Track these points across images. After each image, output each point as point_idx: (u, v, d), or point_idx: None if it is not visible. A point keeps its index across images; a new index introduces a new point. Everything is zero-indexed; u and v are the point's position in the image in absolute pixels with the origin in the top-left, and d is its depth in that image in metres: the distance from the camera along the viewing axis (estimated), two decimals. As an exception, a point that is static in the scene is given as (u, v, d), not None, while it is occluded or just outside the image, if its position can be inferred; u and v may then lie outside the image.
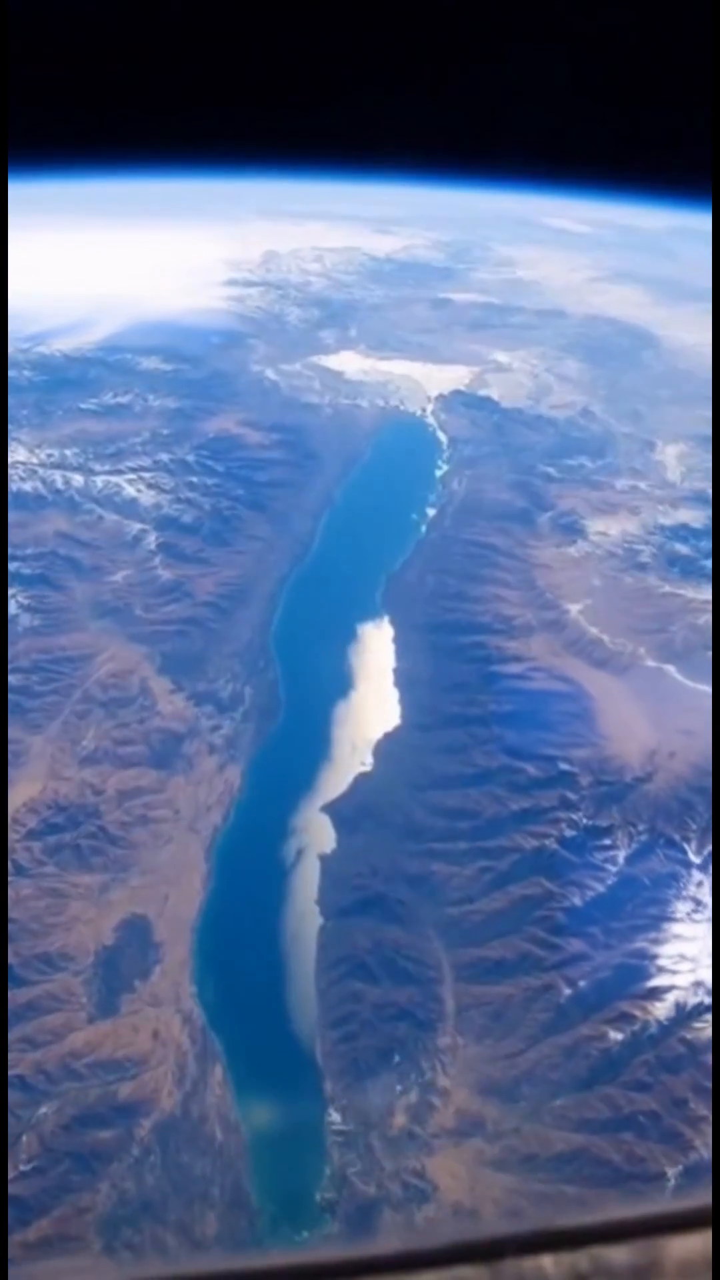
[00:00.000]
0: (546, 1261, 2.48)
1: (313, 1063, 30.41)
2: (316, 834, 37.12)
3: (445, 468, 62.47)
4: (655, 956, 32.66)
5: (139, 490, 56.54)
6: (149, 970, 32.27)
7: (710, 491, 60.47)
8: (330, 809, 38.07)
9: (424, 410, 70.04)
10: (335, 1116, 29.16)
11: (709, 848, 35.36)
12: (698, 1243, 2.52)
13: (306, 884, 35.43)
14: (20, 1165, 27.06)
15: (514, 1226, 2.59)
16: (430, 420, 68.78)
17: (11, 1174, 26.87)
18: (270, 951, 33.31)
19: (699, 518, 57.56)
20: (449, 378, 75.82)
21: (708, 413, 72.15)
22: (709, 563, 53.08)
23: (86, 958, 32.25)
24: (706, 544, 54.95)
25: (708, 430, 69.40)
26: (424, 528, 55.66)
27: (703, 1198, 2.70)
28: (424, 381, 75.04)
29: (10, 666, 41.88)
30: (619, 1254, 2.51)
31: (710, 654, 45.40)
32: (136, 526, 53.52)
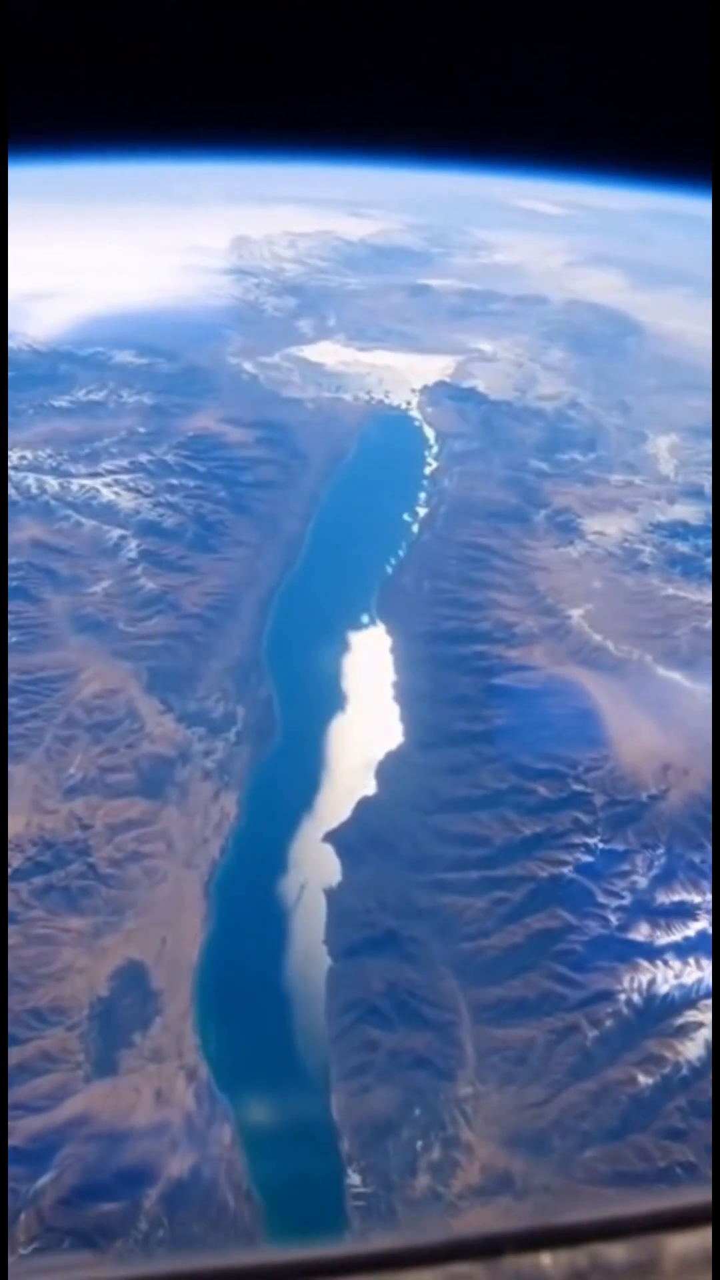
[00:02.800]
0: (545, 1258, 2.44)
1: (328, 1119, 28.60)
2: (319, 866, 35.18)
3: (434, 464, 60.43)
4: (681, 991, 31.19)
5: (117, 494, 53.97)
6: (148, 1022, 30.26)
7: (705, 486, 59.17)
8: (333, 838, 36.13)
9: (409, 403, 67.88)
10: (354, 1178, 27.40)
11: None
12: (697, 1240, 2.50)
13: (311, 921, 33.53)
14: (20, 1249, 25.02)
15: (512, 1223, 2.54)
16: (415, 414, 66.66)
17: (11, 1258, 24.77)
18: (276, 996, 31.42)
19: (696, 514, 56.11)
20: (432, 368, 73.64)
21: (697, 402, 70.69)
22: (710, 562, 51.66)
23: (81, 1011, 30.17)
24: (705, 542, 53.52)
25: (698, 421, 67.99)
26: (416, 529, 53.65)
27: (702, 1194, 2.65)
28: (407, 372, 72.80)
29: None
30: (618, 1251, 2.47)
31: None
32: (116, 533, 50.99)
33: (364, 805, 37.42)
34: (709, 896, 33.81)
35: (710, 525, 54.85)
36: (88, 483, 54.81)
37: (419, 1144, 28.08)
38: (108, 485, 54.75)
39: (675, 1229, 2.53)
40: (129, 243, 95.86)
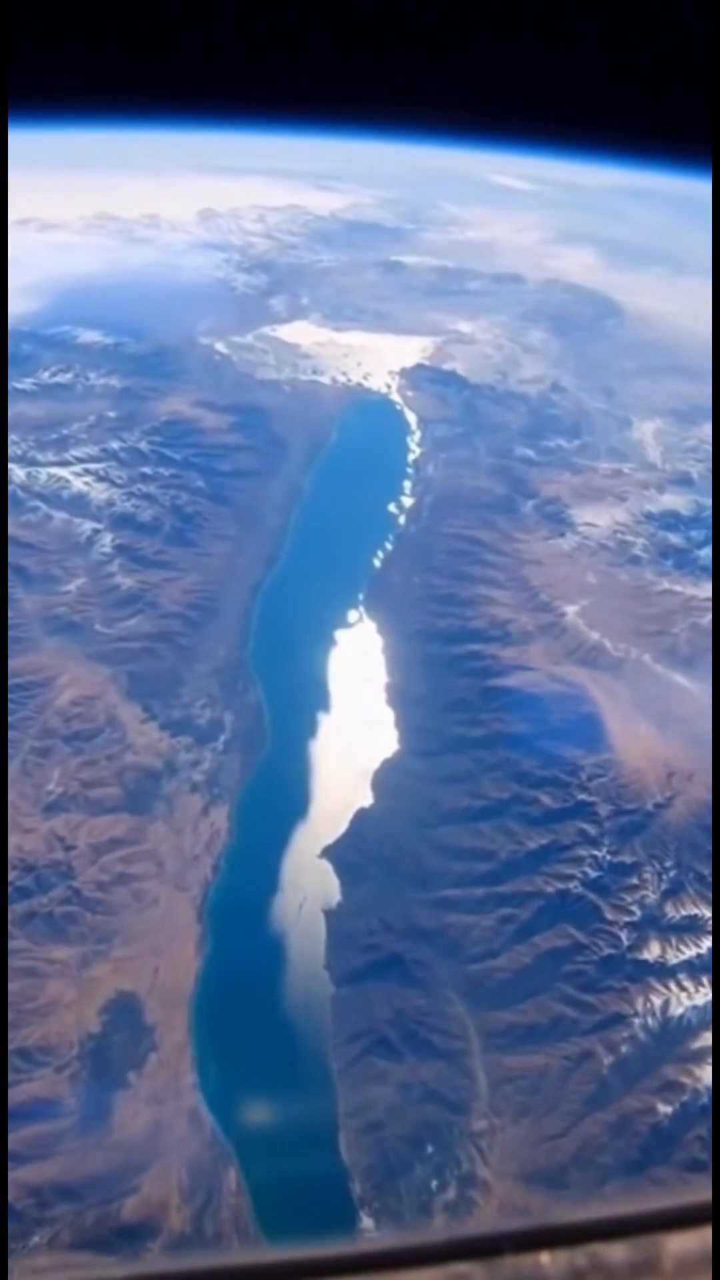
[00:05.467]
0: (544, 1258, 2.44)
1: (337, 1159, 27.17)
2: (317, 884, 33.58)
3: (417, 451, 58.52)
4: (696, 1013, 30.16)
5: (88, 484, 51.40)
6: (143, 1059, 28.53)
7: (693, 474, 58.07)
8: (330, 853, 34.52)
9: (389, 387, 65.75)
10: (368, 1222, 26.03)
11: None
12: (697, 1240, 2.50)
13: (311, 944, 31.95)
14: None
15: (512, 1223, 2.54)
16: (396, 398, 64.56)
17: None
18: (277, 1028, 29.84)
19: (686, 503, 54.97)
20: (410, 350, 71.55)
21: (680, 386, 69.61)
22: (702, 554, 50.60)
23: (70, 1050, 28.34)
24: (697, 533, 52.46)
25: (682, 405, 66.86)
26: (402, 520, 51.82)
27: (702, 1194, 2.64)
28: (384, 354, 70.61)
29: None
30: (617, 1251, 2.47)
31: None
32: (89, 526, 48.52)
33: (361, 817, 35.84)
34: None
35: (698, 514, 53.91)
36: (56, 472, 52.12)
37: (434, 1183, 26.82)
38: (78, 474, 52.13)
39: (674, 1229, 2.51)
40: (90, 215, 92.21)
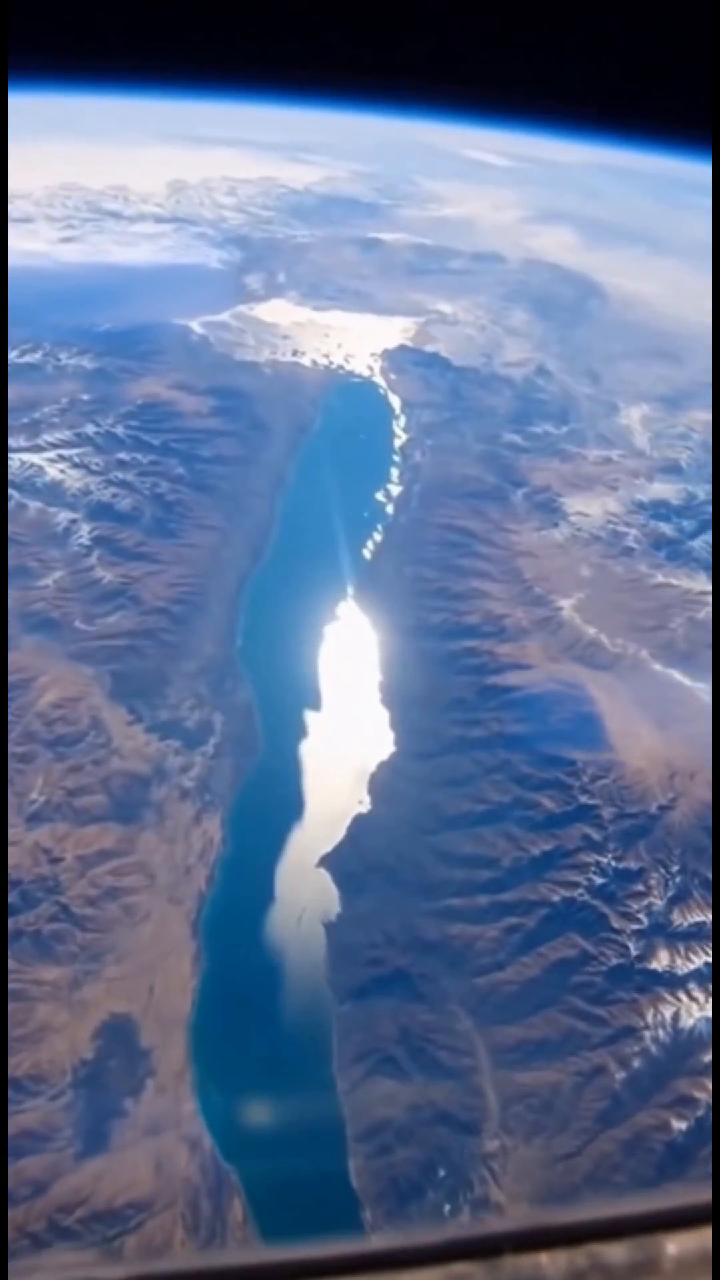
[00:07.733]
0: (544, 1258, 2.44)
1: (346, 1185, 26.19)
2: (316, 895, 32.41)
3: (403, 436, 57.05)
4: (708, 1025, 29.51)
5: (63, 471, 49.35)
6: (140, 1085, 27.26)
7: (681, 462, 57.30)
8: (329, 862, 33.36)
9: (371, 369, 64.06)
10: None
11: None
12: (696, 1240, 2.49)
13: (312, 959, 30.81)
14: None
15: (512, 1223, 2.53)
16: (379, 381, 62.92)
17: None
18: (280, 1048, 28.70)
19: (675, 492, 54.19)
20: (392, 330, 69.94)
21: (664, 370, 68.84)
22: (695, 544, 49.87)
23: (63, 1077, 26.99)
24: (688, 523, 51.75)
25: (668, 391, 66.10)
26: (390, 509, 50.42)
27: (701, 1194, 2.61)
28: (365, 334, 68.90)
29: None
30: (617, 1251, 2.47)
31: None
32: (65, 516, 46.55)
33: (359, 823, 34.71)
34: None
35: (688, 504, 53.16)
36: (29, 458, 50.00)
37: (446, 1208, 25.93)
38: (52, 461, 50.05)
39: (674, 1229, 2.50)
40: (54, 185, 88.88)
